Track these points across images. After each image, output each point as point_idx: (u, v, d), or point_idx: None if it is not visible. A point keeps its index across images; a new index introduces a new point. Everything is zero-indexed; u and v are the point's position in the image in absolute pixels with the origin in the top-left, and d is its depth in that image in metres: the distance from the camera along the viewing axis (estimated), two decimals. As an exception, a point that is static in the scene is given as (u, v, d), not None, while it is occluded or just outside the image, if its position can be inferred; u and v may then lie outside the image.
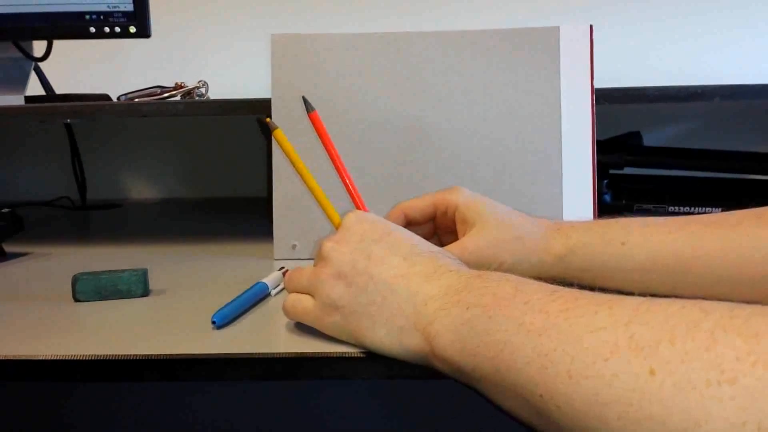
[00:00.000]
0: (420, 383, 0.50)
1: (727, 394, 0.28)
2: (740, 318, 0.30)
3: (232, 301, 0.56)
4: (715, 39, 1.29)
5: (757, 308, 0.30)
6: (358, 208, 0.59)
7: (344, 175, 0.59)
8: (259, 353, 0.47)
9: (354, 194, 0.59)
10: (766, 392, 0.27)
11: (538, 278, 0.43)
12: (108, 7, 0.98)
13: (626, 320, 0.33)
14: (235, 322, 0.54)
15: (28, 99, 1.06)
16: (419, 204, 0.62)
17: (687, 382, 0.29)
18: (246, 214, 1.13)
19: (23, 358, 0.47)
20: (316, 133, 0.60)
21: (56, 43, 1.06)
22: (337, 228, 0.53)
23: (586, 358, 0.33)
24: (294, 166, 0.57)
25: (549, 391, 0.34)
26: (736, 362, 0.28)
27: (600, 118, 0.76)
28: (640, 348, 0.31)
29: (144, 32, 0.99)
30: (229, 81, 1.21)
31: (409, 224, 0.62)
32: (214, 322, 0.52)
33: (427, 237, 0.58)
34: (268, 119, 0.61)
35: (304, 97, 0.61)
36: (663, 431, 0.29)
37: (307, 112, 0.60)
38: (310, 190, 0.56)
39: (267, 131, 0.70)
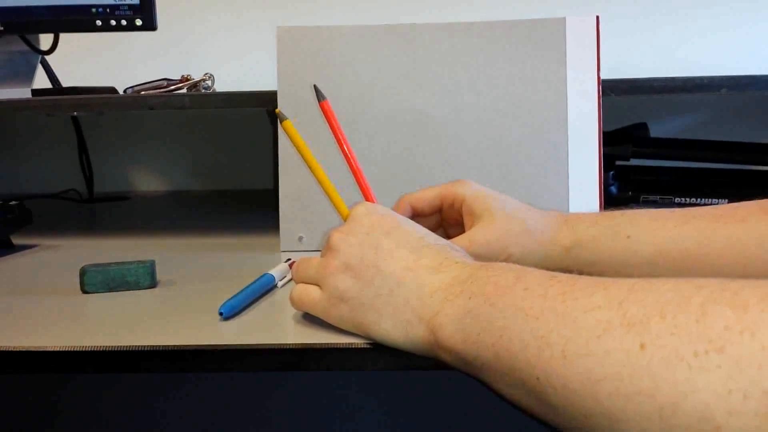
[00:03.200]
0: (427, 374, 0.51)
1: (714, 363, 0.28)
2: (731, 291, 0.30)
3: (238, 293, 0.56)
4: (722, 30, 1.28)
5: (750, 281, 0.30)
6: (367, 199, 0.59)
7: (354, 165, 0.59)
8: (266, 344, 0.48)
9: (363, 185, 0.59)
10: (753, 360, 0.27)
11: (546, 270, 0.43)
12: (114, 0, 0.98)
13: (621, 299, 0.33)
14: (241, 314, 0.54)
15: (35, 92, 1.06)
16: (426, 196, 0.62)
17: (675, 354, 0.29)
18: (252, 206, 1.14)
19: (32, 349, 0.48)
20: (325, 124, 0.60)
21: (63, 36, 1.06)
22: (345, 220, 0.53)
23: (580, 338, 0.33)
24: (303, 158, 0.57)
25: (545, 373, 0.34)
26: (724, 331, 0.28)
27: (606, 110, 0.76)
28: (632, 324, 0.32)
29: (150, 25, 0.99)
30: (235, 73, 1.22)
31: (416, 216, 0.62)
32: (221, 314, 0.53)
33: (433, 229, 0.59)
34: (277, 110, 0.61)
35: (315, 86, 0.61)
36: (652, 405, 0.29)
37: (318, 101, 0.60)
38: (319, 181, 0.56)
39: (276, 123, 0.70)
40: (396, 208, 0.62)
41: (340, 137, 0.60)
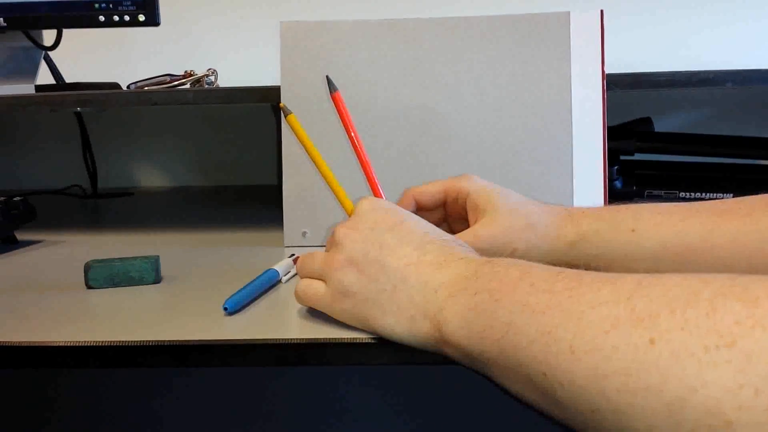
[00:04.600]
0: (430, 369, 0.51)
1: (724, 358, 0.28)
2: (740, 285, 0.30)
3: (243, 288, 0.56)
4: (726, 24, 1.28)
5: (759, 276, 0.30)
6: (374, 192, 0.59)
7: (363, 158, 0.59)
8: (270, 339, 0.48)
9: (371, 179, 0.59)
10: (764, 355, 0.27)
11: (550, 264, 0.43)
12: (117, -5, 0.98)
13: (628, 294, 0.33)
14: (246, 309, 0.55)
15: (39, 88, 1.06)
16: (430, 190, 0.62)
17: (685, 349, 0.29)
18: (256, 202, 1.14)
19: (37, 344, 0.48)
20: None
21: (66, 32, 1.06)
22: (349, 214, 0.53)
23: (587, 333, 0.33)
24: (307, 152, 0.57)
25: (552, 369, 0.34)
26: (734, 326, 0.28)
27: (611, 104, 0.76)
28: (640, 319, 0.31)
29: (153, 20, 0.99)
30: (239, 69, 1.21)
31: (420, 210, 0.62)
32: (225, 309, 0.53)
33: (437, 224, 0.59)
34: (282, 104, 0.61)
35: (328, 77, 0.61)
36: (660, 400, 0.29)
37: (330, 92, 0.60)
38: (323, 176, 0.56)
39: (280, 117, 0.70)
40: (400, 202, 0.62)
41: (351, 129, 0.60)
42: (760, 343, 0.27)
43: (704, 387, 0.28)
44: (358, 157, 0.59)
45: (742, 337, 0.28)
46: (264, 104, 1.08)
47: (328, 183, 0.56)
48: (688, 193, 0.91)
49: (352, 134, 0.60)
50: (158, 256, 0.64)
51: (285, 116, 0.58)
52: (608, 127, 0.76)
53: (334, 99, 0.60)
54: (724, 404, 0.27)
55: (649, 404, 0.30)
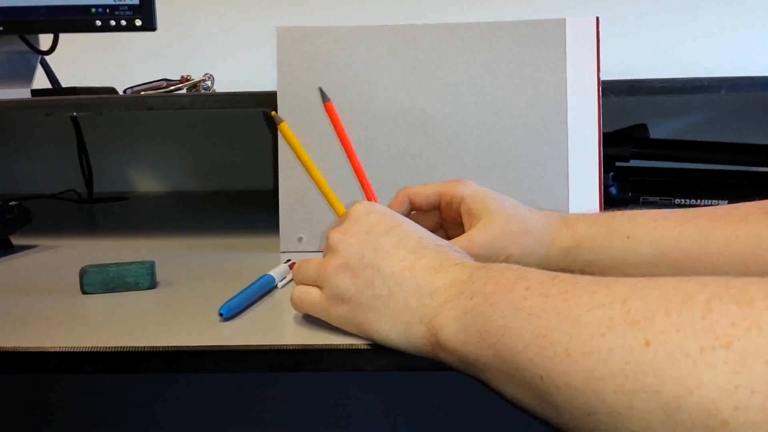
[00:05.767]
0: (425, 375, 0.51)
1: (721, 359, 0.28)
2: (736, 287, 0.30)
3: (238, 294, 0.56)
4: (721, 31, 1.28)
5: (754, 279, 0.30)
6: (368, 198, 0.59)
7: (357, 165, 0.59)
8: (266, 345, 0.47)
9: (366, 185, 0.59)
10: (760, 356, 0.27)
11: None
12: (114, 0, 0.98)
13: (624, 297, 0.33)
14: (241, 315, 0.54)
15: (35, 92, 1.06)
16: (425, 191, 0.62)
17: (680, 350, 0.29)
18: (252, 207, 1.14)
19: (31, 349, 0.48)
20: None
21: (62, 36, 1.06)
22: (340, 216, 0.53)
23: (583, 336, 0.33)
24: (299, 158, 0.57)
25: (548, 372, 0.34)
26: (730, 327, 0.28)
27: (606, 111, 0.76)
28: (636, 321, 0.32)
29: (150, 25, 0.99)
30: (235, 74, 1.21)
31: (414, 210, 0.62)
32: (221, 314, 0.53)
33: (434, 229, 0.59)
34: (273, 112, 0.61)
35: (320, 88, 0.62)
36: (657, 401, 0.29)
37: (323, 102, 0.61)
38: (315, 181, 0.56)
39: (273, 124, 0.70)
40: (394, 200, 0.61)
41: (344, 138, 0.60)
42: (755, 344, 0.27)
43: (700, 388, 0.28)
44: (352, 164, 0.59)
45: (737, 338, 0.28)
46: (260, 109, 1.08)
47: (320, 189, 0.56)
48: (683, 200, 0.91)
49: (347, 143, 0.60)
50: (154, 261, 0.64)
51: (277, 124, 0.58)
52: (604, 134, 0.76)
53: (327, 109, 0.61)
54: (720, 405, 0.27)
55: (646, 405, 0.30)
